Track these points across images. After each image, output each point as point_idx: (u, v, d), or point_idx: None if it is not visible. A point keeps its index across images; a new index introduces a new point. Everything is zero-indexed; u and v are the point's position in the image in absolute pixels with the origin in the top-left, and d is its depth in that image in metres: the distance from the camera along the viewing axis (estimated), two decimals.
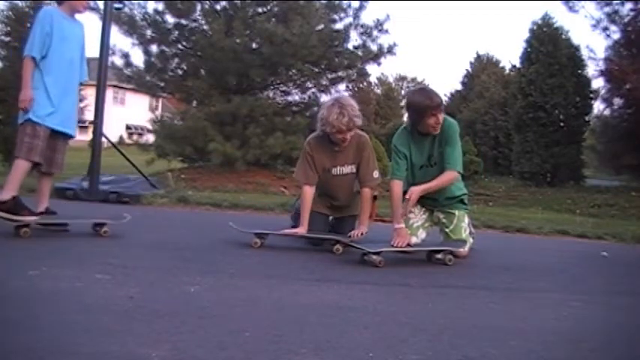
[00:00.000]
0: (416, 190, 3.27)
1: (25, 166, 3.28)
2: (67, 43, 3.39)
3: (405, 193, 3.33)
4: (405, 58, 72.04)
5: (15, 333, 1.64)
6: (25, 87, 3.26)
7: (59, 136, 3.46)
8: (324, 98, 10.92)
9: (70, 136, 3.54)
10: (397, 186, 3.32)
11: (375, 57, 10.25)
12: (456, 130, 3.37)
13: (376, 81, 43.87)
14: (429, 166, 3.42)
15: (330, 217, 3.70)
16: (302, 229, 3.42)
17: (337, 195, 3.60)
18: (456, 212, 3.49)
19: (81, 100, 11.98)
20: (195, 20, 10.29)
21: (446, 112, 3.41)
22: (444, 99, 3.53)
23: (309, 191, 3.49)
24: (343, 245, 3.32)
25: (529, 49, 13.64)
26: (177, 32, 10.38)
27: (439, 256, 3.21)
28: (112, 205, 5.28)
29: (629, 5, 11.88)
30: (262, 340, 1.71)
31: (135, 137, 21.69)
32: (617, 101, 12.88)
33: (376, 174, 3.54)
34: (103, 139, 5.64)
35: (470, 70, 30.37)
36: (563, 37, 13.52)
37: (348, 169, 3.53)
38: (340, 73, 10.69)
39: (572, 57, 13.15)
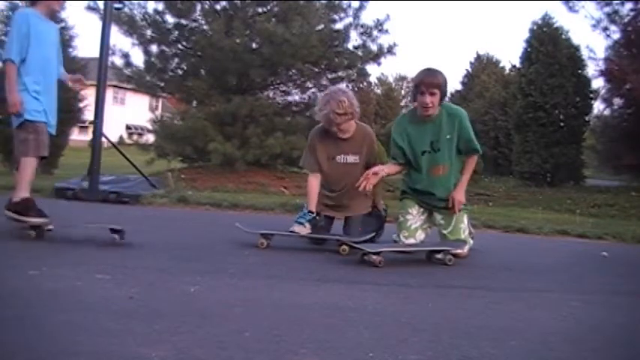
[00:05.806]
0: (459, 196, 3.42)
1: (34, 164, 3.27)
2: (44, 43, 3.35)
3: (413, 190, 3.54)
4: (405, 58, 72.05)
5: (15, 333, 1.64)
6: (11, 92, 3.20)
7: None
8: None
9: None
10: (394, 166, 3.58)
11: (375, 57, 10.26)
12: (461, 115, 3.42)
13: (376, 81, 43.86)
14: (432, 151, 3.45)
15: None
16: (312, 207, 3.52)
17: (340, 184, 3.62)
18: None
19: (81, 100, 11.95)
20: (195, 20, 10.30)
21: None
22: (444, 99, 3.59)
23: (313, 180, 3.61)
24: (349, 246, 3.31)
25: (529, 49, 13.64)
26: (177, 32, 10.38)
27: (439, 256, 3.21)
28: (112, 205, 5.29)
29: (629, 5, 11.88)
30: (262, 340, 1.70)
31: (135, 137, 21.66)
32: (617, 101, 12.89)
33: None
34: (103, 139, 5.64)
35: (470, 70, 30.38)
36: (563, 37, 13.52)
37: (352, 158, 3.59)
38: (340, 73, 10.70)
39: (572, 57, 13.14)
